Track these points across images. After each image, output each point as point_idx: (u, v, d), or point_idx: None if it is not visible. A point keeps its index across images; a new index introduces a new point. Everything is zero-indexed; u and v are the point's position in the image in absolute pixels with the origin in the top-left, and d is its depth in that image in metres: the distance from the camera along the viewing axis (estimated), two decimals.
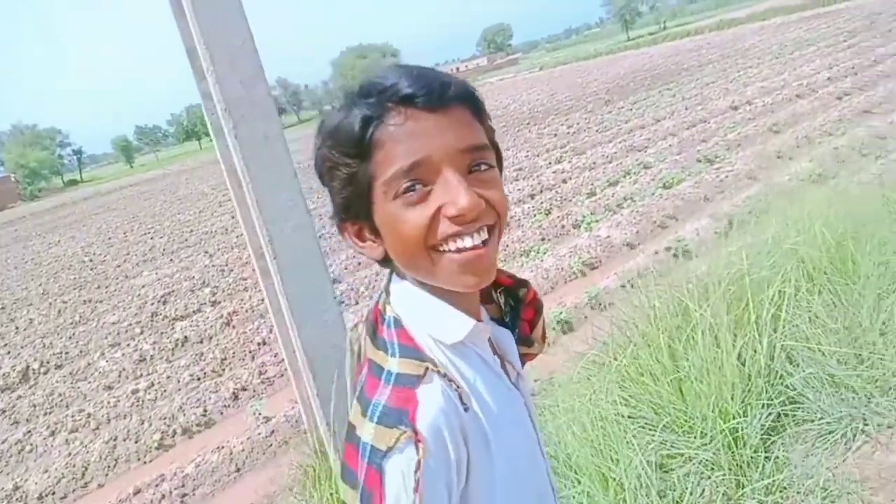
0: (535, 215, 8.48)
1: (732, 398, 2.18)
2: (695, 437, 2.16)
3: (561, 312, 5.06)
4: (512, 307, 0.92)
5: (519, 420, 0.85)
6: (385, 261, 0.81)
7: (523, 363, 0.93)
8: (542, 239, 7.49)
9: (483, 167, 0.75)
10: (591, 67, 39.59)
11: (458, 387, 0.75)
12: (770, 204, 3.83)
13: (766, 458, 2.17)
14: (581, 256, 6.37)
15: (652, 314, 2.68)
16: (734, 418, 2.14)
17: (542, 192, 9.75)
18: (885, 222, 3.31)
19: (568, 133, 14.88)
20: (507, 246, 7.33)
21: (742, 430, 2.16)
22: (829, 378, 2.39)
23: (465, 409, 0.74)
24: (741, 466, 2.14)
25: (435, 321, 0.78)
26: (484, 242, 0.74)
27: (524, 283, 0.91)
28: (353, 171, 0.74)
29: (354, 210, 0.77)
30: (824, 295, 2.64)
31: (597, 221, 7.54)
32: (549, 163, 11.92)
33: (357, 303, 6.82)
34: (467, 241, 0.72)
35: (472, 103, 0.77)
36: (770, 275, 2.60)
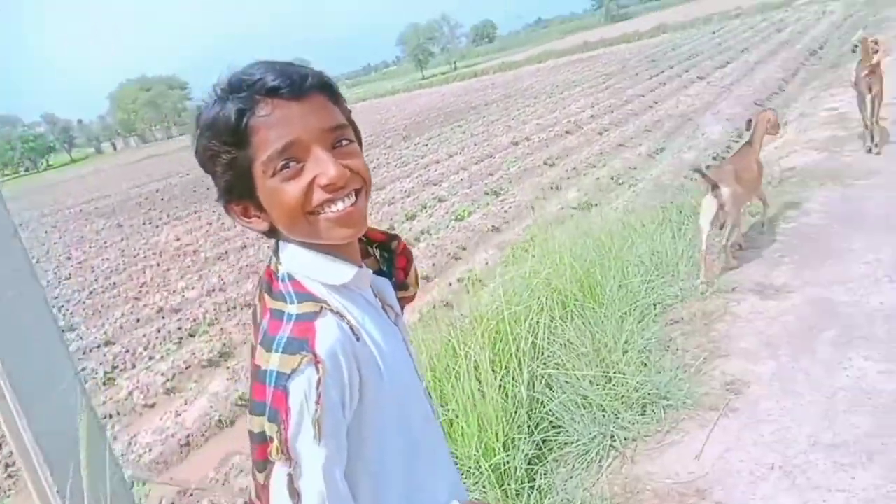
0: None
1: (496, 434, 2.24)
2: (463, 479, 2.16)
3: None
4: (387, 259, 1.07)
5: (400, 351, 0.98)
6: (271, 232, 0.92)
7: (402, 307, 1.08)
8: None
9: (345, 142, 0.88)
10: (389, 104, 40.98)
11: (349, 321, 0.87)
12: (535, 236, 4.12)
13: (531, 487, 2.25)
14: None
15: (426, 356, 2.69)
16: (497, 453, 2.19)
17: None
18: (625, 247, 3.73)
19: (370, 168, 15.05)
20: None
21: (506, 464, 2.21)
22: (583, 400, 2.57)
23: (357, 339, 0.86)
24: (508, 500, 2.18)
25: (322, 270, 0.89)
26: (353, 204, 0.87)
27: (395, 237, 1.07)
28: (234, 156, 0.84)
29: (238, 191, 0.88)
30: (576, 321, 2.87)
31: None
32: None
33: (134, 366, 6.06)
34: (339, 206, 0.86)
35: (328, 90, 0.89)
36: (527, 307, 2.76)
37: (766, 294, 3.62)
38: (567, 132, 13.64)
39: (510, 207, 8.63)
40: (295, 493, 0.78)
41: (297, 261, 0.91)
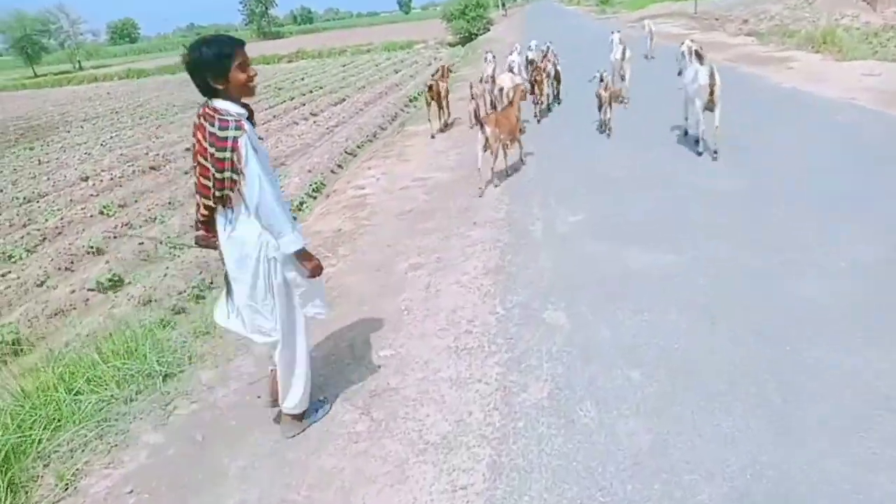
0: None
1: None
2: None
3: None
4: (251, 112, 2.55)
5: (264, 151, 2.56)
6: (215, 93, 2.43)
7: None
8: None
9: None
10: None
11: (248, 124, 2.47)
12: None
13: None
14: None
15: None
16: None
17: None
18: None
19: None
20: None
21: None
22: None
23: (253, 126, 2.52)
24: None
25: (236, 108, 2.44)
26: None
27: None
28: (226, 63, 2.39)
29: (221, 78, 2.40)
30: None
31: None
32: None
33: None
34: (253, 85, 2.52)
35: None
36: None
37: None
38: (152, 167, 11.65)
39: (13, 284, 6.43)
40: (255, 177, 2.41)
41: (225, 104, 2.43)
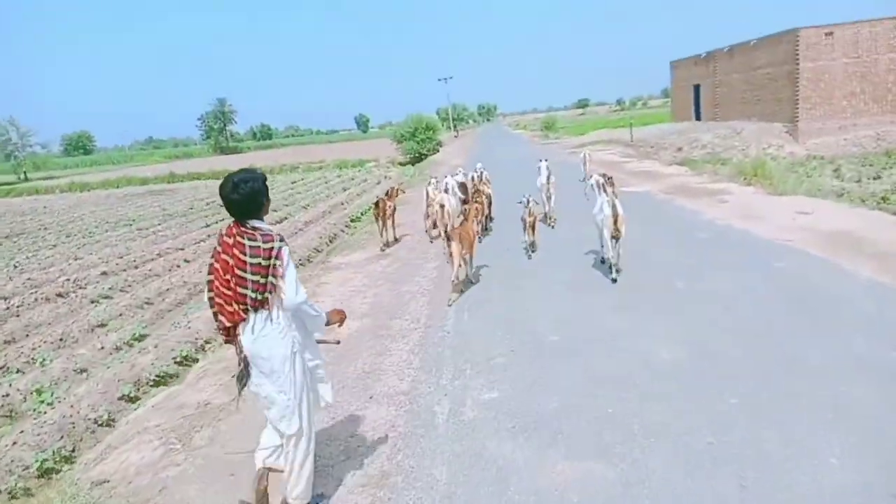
0: None
1: None
2: None
3: None
4: None
5: None
6: (252, 216, 3.00)
7: None
8: None
9: None
10: None
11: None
12: None
13: None
14: None
15: None
16: None
17: None
18: None
19: None
20: None
21: None
22: None
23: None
24: None
25: (268, 226, 3.08)
26: None
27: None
28: (266, 192, 3.07)
29: (262, 204, 3.05)
30: None
31: None
32: None
33: None
34: None
35: None
36: None
37: None
38: (59, 294, 10.62)
39: None
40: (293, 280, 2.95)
41: (262, 223, 3.00)
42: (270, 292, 2.88)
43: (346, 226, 15.64)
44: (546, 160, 11.11)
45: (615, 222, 6.48)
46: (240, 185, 2.89)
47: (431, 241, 10.49)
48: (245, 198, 2.90)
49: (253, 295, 2.86)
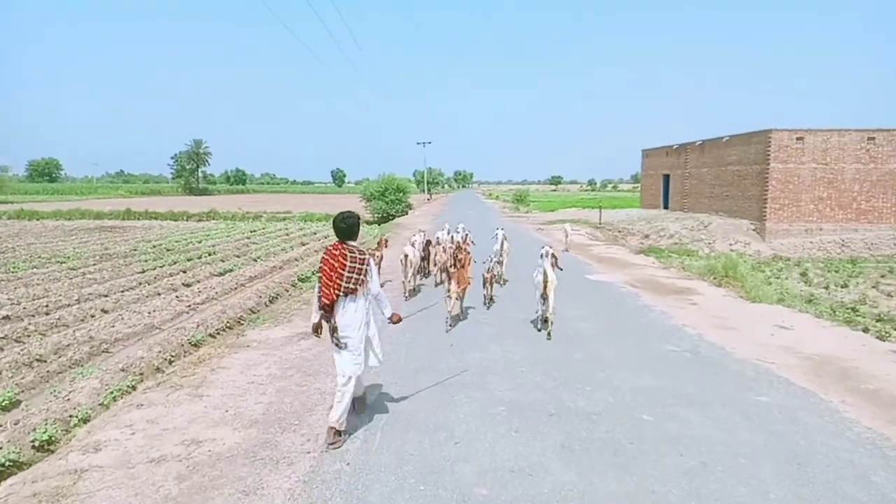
0: None
1: None
2: None
3: None
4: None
5: None
6: (351, 238, 5.05)
7: None
8: None
9: None
10: None
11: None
12: None
13: None
14: None
15: None
16: None
17: None
18: None
19: None
20: None
21: None
22: None
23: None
24: None
25: (358, 245, 5.64)
26: None
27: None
28: (360, 224, 5.17)
29: (358, 231, 5.10)
30: None
31: None
32: None
33: None
34: None
35: None
36: None
37: None
38: None
39: None
40: (376, 277, 5.12)
41: (355, 244, 4.99)
42: (360, 285, 4.78)
43: (293, 285, 14.38)
44: (502, 229, 12.81)
45: (545, 287, 8.14)
46: (346, 218, 4.93)
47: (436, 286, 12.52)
48: (348, 227, 4.93)
49: (346, 285, 4.73)
